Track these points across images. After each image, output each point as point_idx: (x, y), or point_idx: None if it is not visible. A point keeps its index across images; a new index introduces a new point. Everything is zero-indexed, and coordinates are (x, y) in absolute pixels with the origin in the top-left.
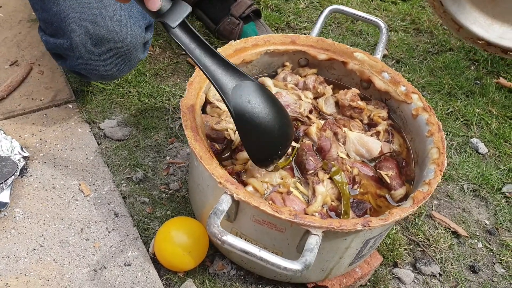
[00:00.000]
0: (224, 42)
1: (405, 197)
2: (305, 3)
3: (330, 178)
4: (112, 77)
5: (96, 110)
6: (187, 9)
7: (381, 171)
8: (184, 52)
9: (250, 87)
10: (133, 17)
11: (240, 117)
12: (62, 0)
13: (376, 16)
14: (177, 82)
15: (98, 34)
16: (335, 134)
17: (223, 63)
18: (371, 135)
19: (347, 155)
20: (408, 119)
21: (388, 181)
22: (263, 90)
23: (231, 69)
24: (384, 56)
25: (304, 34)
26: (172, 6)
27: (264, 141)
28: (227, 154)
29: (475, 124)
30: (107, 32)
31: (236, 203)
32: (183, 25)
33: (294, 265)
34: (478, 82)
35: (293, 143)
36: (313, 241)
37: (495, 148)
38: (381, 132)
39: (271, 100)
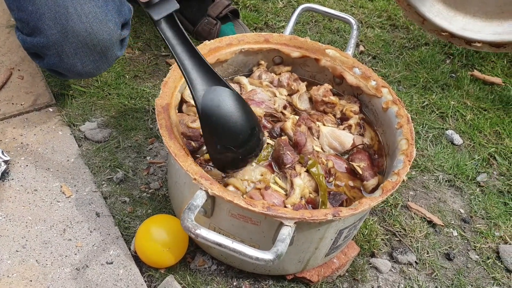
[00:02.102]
0: (202, 43)
1: (377, 187)
2: (283, 3)
3: (307, 171)
4: (90, 74)
5: (77, 113)
6: (174, 6)
7: (353, 163)
8: (163, 53)
9: (223, 93)
10: (109, 14)
11: (207, 119)
12: None
13: (353, 13)
14: (156, 83)
15: (74, 32)
16: (310, 128)
17: (202, 64)
18: (343, 129)
19: (322, 148)
20: (379, 112)
21: (361, 172)
22: (236, 98)
23: (208, 72)
24: (361, 52)
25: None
26: (162, 0)
27: (227, 146)
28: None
29: (450, 116)
30: (83, 29)
31: (212, 198)
32: (170, 21)
33: (266, 255)
34: (453, 75)
35: (269, 140)
36: (286, 232)
37: (469, 139)
38: (353, 126)
39: (242, 109)
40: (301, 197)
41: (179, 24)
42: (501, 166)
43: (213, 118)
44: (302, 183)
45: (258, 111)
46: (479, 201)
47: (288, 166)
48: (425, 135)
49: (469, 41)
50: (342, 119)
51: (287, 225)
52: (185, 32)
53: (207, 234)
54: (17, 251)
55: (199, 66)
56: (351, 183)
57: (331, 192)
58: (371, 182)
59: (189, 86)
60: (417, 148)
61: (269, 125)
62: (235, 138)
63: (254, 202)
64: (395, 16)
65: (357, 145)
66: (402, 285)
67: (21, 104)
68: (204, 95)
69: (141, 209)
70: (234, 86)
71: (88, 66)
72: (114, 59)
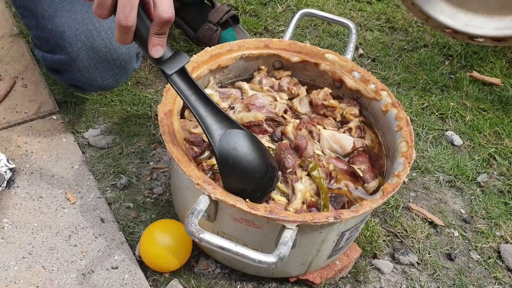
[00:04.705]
0: (203, 48)
1: (378, 190)
2: (282, 7)
3: (308, 174)
4: (109, 88)
5: (80, 120)
6: (185, 59)
7: (354, 166)
8: None
9: (238, 135)
10: None
11: (224, 162)
12: (57, 18)
13: (352, 16)
14: (158, 89)
15: (94, 48)
16: (310, 132)
17: (215, 110)
18: (344, 132)
19: (322, 151)
20: (379, 115)
21: (361, 174)
22: (251, 139)
23: (222, 117)
24: (360, 55)
25: (282, 38)
26: (172, 55)
27: (244, 186)
28: (205, 155)
29: (450, 117)
30: (103, 45)
31: (215, 203)
32: (181, 73)
33: (269, 258)
34: (452, 76)
35: (270, 144)
36: (288, 235)
37: (469, 139)
38: (353, 129)
39: (258, 149)
40: (303, 202)
41: (190, 75)
42: (501, 166)
43: (231, 161)
44: (303, 187)
45: (259, 115)
46: (480, 201)
47: (289, 170)
48: (425, 137)
49: (472, 37)
50: (343, 122)
51: (289, 228)
52: (196, 82)
53: (210, 238)
54: (23, 257)
55: (213, 112)
56: (352, 186)
57: (333, 195)
58: (372, 185)
59: (205, 133)
60: (418, 149)
61: (270, 129)
62: (252, 176)
63: (256, 206)
64: (393, 18)
65: (357, 148)
66: (404, 286)
67: (25, 112)
68: (220, 139)
69: (145, 214)
70: (235, 91)
71: (108, 80)
72: (132, 71)
